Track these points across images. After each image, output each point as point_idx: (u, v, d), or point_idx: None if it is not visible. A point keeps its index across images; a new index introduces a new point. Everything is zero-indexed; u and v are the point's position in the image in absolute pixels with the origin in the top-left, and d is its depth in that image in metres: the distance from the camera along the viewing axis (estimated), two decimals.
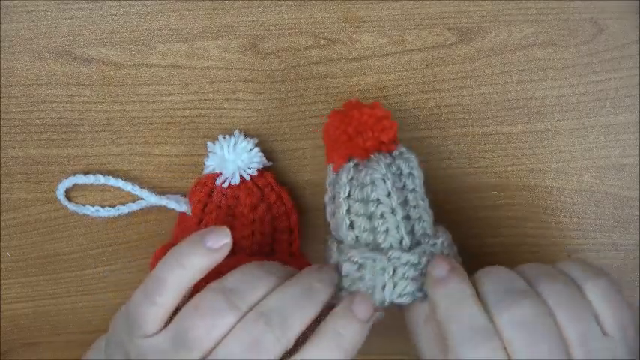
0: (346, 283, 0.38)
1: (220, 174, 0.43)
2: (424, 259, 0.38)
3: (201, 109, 0.45)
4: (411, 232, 0.39)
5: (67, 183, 0.45)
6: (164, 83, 0.45)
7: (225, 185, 0.43)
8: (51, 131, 0.45)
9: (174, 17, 0.44)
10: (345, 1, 0.44)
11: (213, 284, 0.35)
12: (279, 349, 0.34)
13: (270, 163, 0.45)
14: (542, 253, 0.46)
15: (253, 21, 0.44)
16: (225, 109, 0.45)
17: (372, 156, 0.38)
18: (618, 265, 0.47)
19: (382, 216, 0.38)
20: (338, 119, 0.39)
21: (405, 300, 0.38)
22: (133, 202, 0.45)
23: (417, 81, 0.44)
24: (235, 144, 0.43)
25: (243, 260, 0.42)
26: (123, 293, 0.48)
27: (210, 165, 0.44)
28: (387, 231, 0.38)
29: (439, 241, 0.39)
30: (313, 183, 0.46)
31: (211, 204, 0.43)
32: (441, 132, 0.45)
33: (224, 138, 0.44)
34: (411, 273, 0.38)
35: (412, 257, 0.38)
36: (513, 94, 0.45)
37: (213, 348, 0.34)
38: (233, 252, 0.44)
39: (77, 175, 0.45)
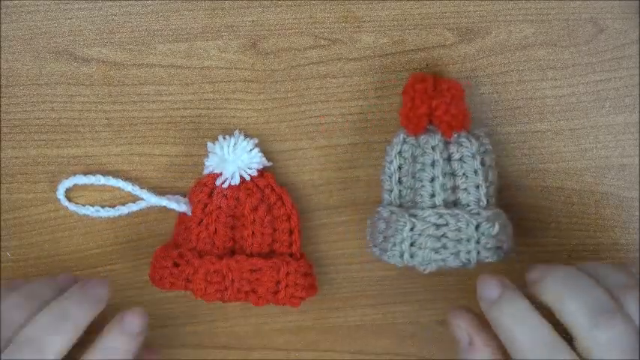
0: (378, 239, 0.41)
1: (220, 174, 0.43)
2: (452, 221, 0.40)
3: (201, 109, 0.45)
4: (455, 202, 0.41)
5: (67, 183, 0.45)
6: (164, 83, 0.45)
7: (225, 185, 0.43)
8: (51, 131, 0.45)
9: (174, 17, 0.44)
10: (345, 1, 0.44)
11: None
12: None
13: (271, 164, 0.45)
14: (541, 254, 0.46)
15: (253, 21, 0.44)
16: (225, 109, 0.45)
17: (433, 126, 0.41)
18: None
19: (422, 180, 0.41)
20: (423, 88, 0.40)
21: (425, 266, 0.40)
22: (133, 203, 0.45)
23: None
24: (235, 144, 0.43)
25: (242, 261, 0.43)
26: (123, 293, 0.48)
27: (210, 165, 0.44)
28: (422, 195, 0.41)
29: (484, 213, 0.40)
30: (313, 183, 0.46)
31: (211, 204, 0.43)
32: None
33: (224, 138, 0.44)
34: (431, 231, 0.40)
35: (432, 215, 0.40)
36: (513, 94, 0.45)
37: None
38: (233, 252, 0.44)
39: (77, 175, 0.45)
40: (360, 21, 0.44)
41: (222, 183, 0.43)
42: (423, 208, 0.40)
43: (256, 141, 0.44)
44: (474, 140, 0.41)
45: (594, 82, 0.44)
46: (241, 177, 0.43)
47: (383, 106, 0.45)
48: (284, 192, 0.44)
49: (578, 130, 0.45)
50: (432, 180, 0.41)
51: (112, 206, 0.46)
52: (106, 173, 0.45)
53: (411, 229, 0.40)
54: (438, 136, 0.41)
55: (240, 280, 0.43)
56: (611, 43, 0.44)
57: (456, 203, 0.41)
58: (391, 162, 0.42)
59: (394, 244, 0.40)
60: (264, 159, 0.44)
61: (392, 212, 0.41)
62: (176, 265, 0.43)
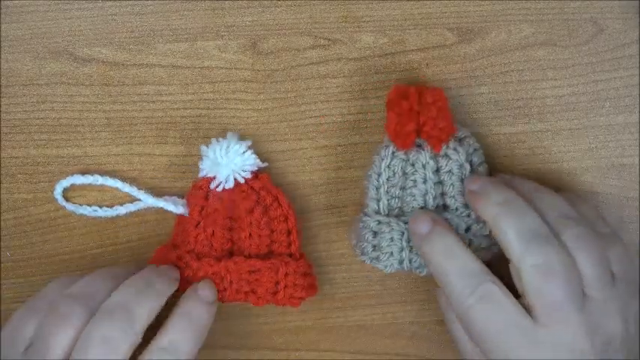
0: (367, 248, 0.42)
1: (214, 177, 0.43)
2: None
3: (201, 109, 0.45)
4: (444, 205, 0.42)
5: (65, 183, 0.45)
6: (164, 83, 0.45)
7: (220, 189, 0.43)
8: (51, 131, 0.45)
9: (174, 17, 0.44)
10: (345, 1, 0.44)
11: (64, 292, 0.39)
12: (128, 341, 0.37)
13: (266, 164, 0.44)
14: None
15: (253, 21, 0.44)
16: (225, 109, 0.45)
17: (420, 140, 0.41)
18: None
19: (414, 195, 0.42)
20: (408, 105, 0.40)
21: (421, 270, 0.42)
22: (131, 203, 0.45)
23: (416, 81, 0.44)
24: (228, 147, 0.43)
25: (241, 262, 0.43)
26: None
27: (204, 168, 0.43)
28: (413, 207, 0.42)
29: (474, 215, 0.41)
30: (313, 183, 0.46)
31: (208, 207, 0.43)
32: None
33: (217, 140, 0.43)
34: None
35: None
36: (513, 94, 0.45)
37: (72, 349, 0.36)
38: (231, 254, 0.44)
39: (75, 175, 0.45)
40: (360, 21, 0.44)
41: (217, 187, 0.43)
42: None
43: (250, 143, 0.43)
44: (461, 150, 0.41)
45: (594, 82, 0.45)
46: (236, 180, 0.43)
47: (383, 106, 0.45)
48: (280, 193, 0.44)
49: (578, 130, 0.45)
50: (425, 194, 0.42)
51: (111, 206, 0.46)
52: (105, 173, 0.45)
53: (408, 240, 0.42)
54: (428, 154, 0.41)
55: (238, 282, 0.43)
56: (611, 43, 0.44)
57: (444, 206, 0.42)
58: (380, 174, 0.42)
59: (391, 254, 0.42)
60: (258, 161, 0.43)
61: (381, 222, 0.42)
62: (175, 267, 0.43)
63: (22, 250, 0.47)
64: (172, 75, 0.45)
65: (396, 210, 0.42)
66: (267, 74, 0.45)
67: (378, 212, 0.42)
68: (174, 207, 0.44)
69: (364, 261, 0.43)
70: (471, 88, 0.45)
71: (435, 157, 0.42)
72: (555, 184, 0.46)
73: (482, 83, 0.45)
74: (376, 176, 0.42)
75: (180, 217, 0.44)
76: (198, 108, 0.45)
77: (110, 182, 0.45)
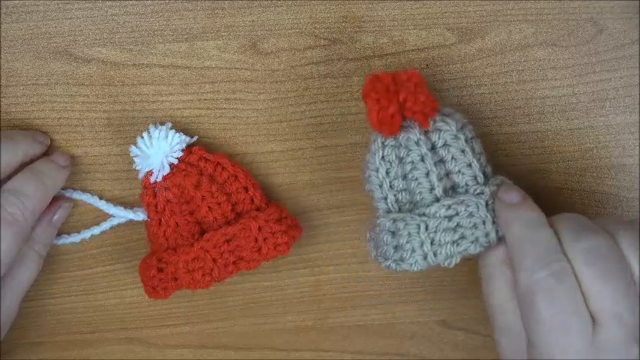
0: (389, 252, 0.40)
1: (151, 171, 0.43)
2: (461, 209, 0.39)
3: (201, 109, 0.45)
4: (453, 187, 0.40)
5: None
6: (164, 83, 0.45)
7: (160, 179, 0.43)
8: (51, 131, 0.45)
9: (174, 17, 0.44)
10: (345, 1, 0.44)
11: None
12: None
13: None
14: None
15: (253, 21, 0.44)
16: (225, 109, 0.45)
17: (406, 122, 0.39)
18: None
19: (417, 179, 0.40)
20: (384, 87, 0.38)
21: (449, 261, 0.39)
22: (96, 224, 0.46)
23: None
24: (150, 137, 0.43)
25: (213, 237, 0.42)
26: (123, 293, 0.48)
27: (140, 167, 0.43)
28: (421, 192, 0.39)
29: (488, 189, 0.39)
30: (313, 183, 0.46)
31: (160, 202, 0.43)
32: None
33: (141, 137, 0.43)
34: (445, 225, 0.39)
35: (441, 208, 0.39)
36: (513, 94, 0.45)
37: None
38: (203, 231, 0.44)
39: None
40: (360, 21, 0.44)
41: (156, 178, 0.43)
42: (427, 205, 0.39)
43: (169, 124, 0.44)
44: (450, 120, 0.39)
45: (594, 82, 0.45)
46: (171, 164, 0.43)
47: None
48: (220, 157, 0.44)
49: (578, 130, 0.45)
50: (427, 174, 0.39)
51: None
52: (106, 173, 0.45)
53: (426, 229, 0.39)
54: (417, 129, 0.39)
55: (221, 256, 0.43)
56: (611, 43, 0.44)
57: (454, 188, 0.40)
58: (377, 170, 0.40)
59: (413, 250, 0.39)
60: (183, 137, 0.43)
61: (396, 220, 0.39)
62: (160, 270, 0.43)
63: None
64: (172, 75, 0.45)
65: (407, 205, 0.40)
66: (267, 74, 0.45)
67: (389, 211, 0.40)
68: (135, 215, 0.44)
69: (390, 268, 0.40)
70: (471, 88, 0.45)
71: (425, 134, 0.39)
72: (555, 184, 0.46)
73: (482, 83, 0.45)
74: (375, 174, 0.40)
75: (146, 223, 0.44)
76: (198, 108, 0.45)
77: (76, 195, 0.45)
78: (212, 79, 0.45)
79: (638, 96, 0.45)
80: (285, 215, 0.44)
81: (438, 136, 0.39)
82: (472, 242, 0.39)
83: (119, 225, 0.46)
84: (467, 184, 0.40)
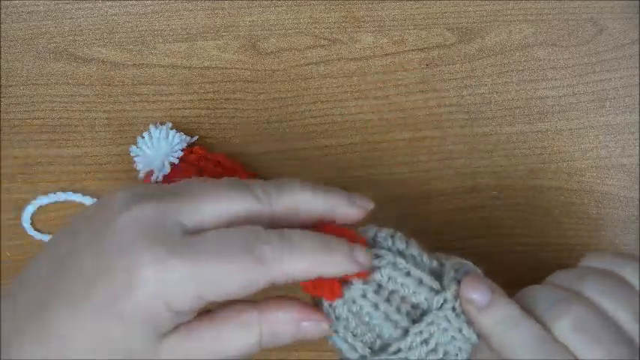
0: None
1: (152, 171, 0.43)
2: (433, 329, 0.36)
3: (201, 109, 0.45)
4: (413, 306, 0.36)
5: (31, 208, 0.45)
6: (164, 83, 0.45)
7: (160, 178, 0.43)
8: (51, 131, 0.45)
9: (174, 17, 0.44)
10: (345, 1, 0.44)
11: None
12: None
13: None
14: (542, 253, 0.46)
15: (253, 21, 0.44)
16: (225, 109, 0.45)
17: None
18: None
19: (379, 324, 0.36)
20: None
21: None
22: None
23: (417, 81, 0.44)
24: (151, 137, 0.43)
25: None
26: None
27: (141, 167, 0.43)
28: (388, 329, 0.36)
29: (448, 293, 0.36)
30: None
31: None
32: (441, 132, 0.45)
33: (142, 137, 0.43)
34: (425, 350, 0.36)
35: (415, 339, 0.36)
36: (513, 94, 0.45)
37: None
38: None
39: (39, 198, 0.45)
40: (360, 21, 0.44)
41: (157, 178, 0.43)
42: (399, 339, 0.36)
43: (169, 125, 0.44)
44: (383, 252, 0.36)
45: (594, 82, 0.44)
46: (171, 163, 0.43)
47: (383, 106, 0.45)
48: (220, 156, 0.44)
49: (578, 130, 0.45)
50: (387, 317, 0.36)
51: None
52: (105, 173, 0.45)
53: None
54: (359, 285, 0.35)
55: None
56: (611, 43, 0.44)
57: (414, 307, 0.37)
58: (336, 331, 0.36)
59: None
60: (183, 136, 0.44)
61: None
62: None
63: (22, 250, 0.47)
64: (172, 75, 0.45)
65: (377, 341, 0.37)
66: (267, 74, 0.45)
67: (364, 356, 0.36)
68: None
69: None
70: (471, 88, 0.45)
71: (365, 283, 0.36)
72: (555, 184, 0.46)
73: (482, 83, 0.45)
74: (335, 334, 0.36)
75: None
76: (198, 108, 0.45)
77: (73, 197, 0.45)
78: (212, 79, 0.45)
79: (638, 96, 0.45)
80: None
81: (380, 274, 0.36)
82: (457, 353, 0.37)
83: None
84: (426, 299, 0.36)
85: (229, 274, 0.30)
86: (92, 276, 0.29)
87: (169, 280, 0.29)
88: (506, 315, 0.35)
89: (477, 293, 0.36)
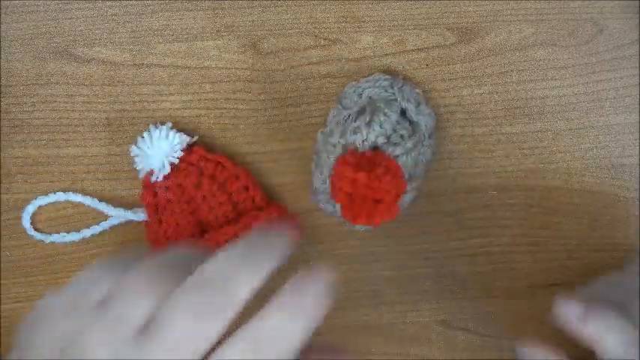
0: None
1: (152, 171, 0.43)
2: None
3: (201, 109, 0.45)
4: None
5: (31, 208, 0.45)
6: (164, 83, 0.45)
7: (160, 178, 0.43)
8: (51, 131, 0.45)
9: (174, 17, 0.44)
10: (345, 1, 0.44)
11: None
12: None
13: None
14: (541, 254, 0.46)
15: (253, 21, 0.44)
16: (225, 109, 0.45)
17: None
18: (618, 266, 0.46)
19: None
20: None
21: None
22: (96, 223, 0.46)
23: (417, 81, 0.44)
24: (151, 137, 0.43)
25: (213, 236, 0.42)
26: None
27: (140, 167, 0.43)
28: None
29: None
30: None
31: (161, 202, 0.43)
32: (441, 132, 0.45)
33: (142, 137, 0.43)
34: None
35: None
36: (513, 94, 0.45)
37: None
38: (204, 231, 0.44)
39: (39, 198, 0.45)
40: (360, 21, 0.44)
41: (157, 178, 0.43)
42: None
43: (170, 124, 0.44)
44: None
45: (594, 82, 0.45)
46: (171, 163, 0.43)
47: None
48: (221, 157, 0.44)
49: (578, 130, 0.45)
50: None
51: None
52: (106, 173, 0.45)
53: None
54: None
55: None
56: (611, 43, 0.44)
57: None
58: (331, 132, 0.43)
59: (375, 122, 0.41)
60: (184, 136, 0.44)
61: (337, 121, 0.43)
62: None
63: (22, 250, 0.47)
64: (172, 75, 0.45)
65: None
66: (267, 74, 0.45)
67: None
68: (135, 215, 0.44)
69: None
70: (471, 88, 0.45)
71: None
72: (555, 184, 0.46)
73: (482, 83, 0.45)
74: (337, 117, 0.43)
75: (146, 223, 0.44)
76: (198, 108, 0.45)
77: (73, 198, 0.45)
78: (212, 79, 0.45)
79: (638, 96, 0.45)
80: (285, 214, 0.44)
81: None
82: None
83: (119, 225, 0.46)
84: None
85: None
86: None
87: None
88: (606, 319, 0.36)
89: (572, 309, 0.37)
